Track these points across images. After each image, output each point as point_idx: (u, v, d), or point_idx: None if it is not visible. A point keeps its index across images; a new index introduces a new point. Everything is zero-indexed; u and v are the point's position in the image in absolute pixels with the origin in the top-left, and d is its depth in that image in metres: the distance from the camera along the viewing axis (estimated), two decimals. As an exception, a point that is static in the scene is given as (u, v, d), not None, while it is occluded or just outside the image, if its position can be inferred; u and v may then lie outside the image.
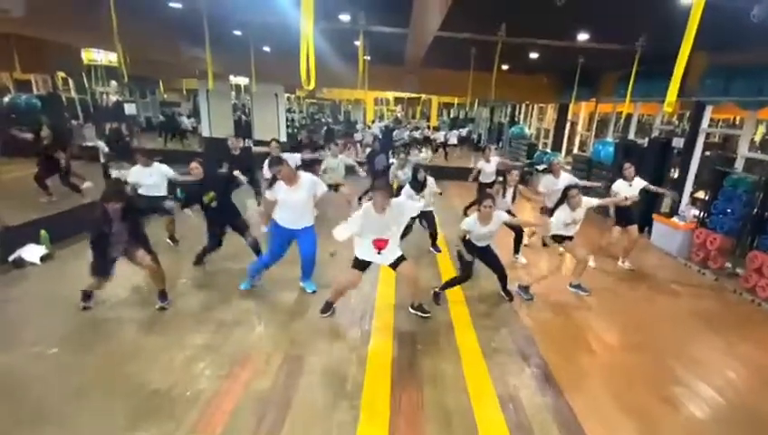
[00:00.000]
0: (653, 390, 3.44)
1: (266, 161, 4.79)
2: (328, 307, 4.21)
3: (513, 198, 5.81)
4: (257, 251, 5.02)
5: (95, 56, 15.80)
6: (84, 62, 14.98)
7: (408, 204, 4.06)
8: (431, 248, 6.20)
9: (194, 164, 4.84)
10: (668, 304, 5.17)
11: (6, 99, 12.77)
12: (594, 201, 4.91)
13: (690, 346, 4.20)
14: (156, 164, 5.53)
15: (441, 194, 6.10)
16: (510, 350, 3.85)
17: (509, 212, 5.74)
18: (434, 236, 6.17)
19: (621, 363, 3.82)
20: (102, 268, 3.89)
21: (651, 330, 4.47)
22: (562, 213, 4.74)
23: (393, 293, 4.78)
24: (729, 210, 5.96)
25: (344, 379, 3.28)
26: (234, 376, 3.22)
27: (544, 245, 5.35)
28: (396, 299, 4.64)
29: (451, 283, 4.67)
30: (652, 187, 5.81)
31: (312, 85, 2.58)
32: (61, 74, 16.27)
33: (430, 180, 5.83)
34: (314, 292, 4.63)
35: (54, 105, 13.19)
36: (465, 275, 4.55)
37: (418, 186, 5.70)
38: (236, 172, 5.67)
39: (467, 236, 4.43)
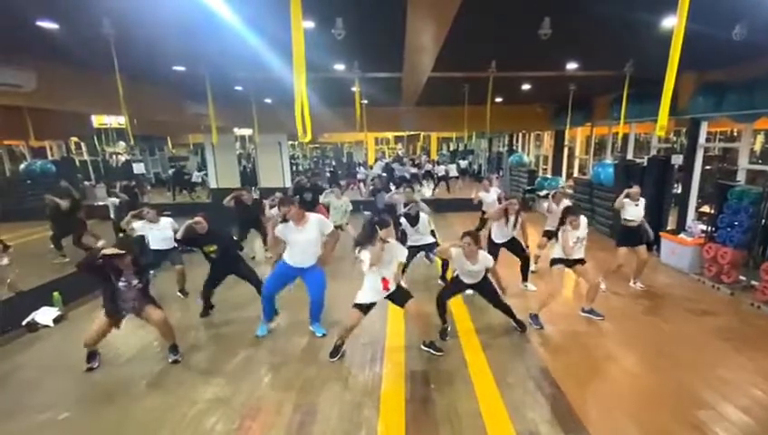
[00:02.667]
0: (679, 416, 3.31)
1: (269, 201, 4.94)
2: (337, 350, 4.19)
3: (515, 226, 5.80)
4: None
5: (105, 120, 16.54)
6: (95, 125, 15.66)
7: (399, 248, 4.12)
8: (440, 281, 6.16)
9: (198, 218, 4.97)
10: (686, 322, 5.05)
11: (23, 166, 13.33)
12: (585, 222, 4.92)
13: (713, 366, 4.06)
14: (163, 219, 5.72)
15: (433, 232, 6.15)
16: (526, 383, 3.76)
17: (512, 240, 5.79)
18: (444, 268, 6.14)
19: (643, 390, 3.69)
20: (113, 309, 3.92)
21: (671, 352, 4.34)
22: (567, 235, 4.78)
23: (403, 331, 4.73)
24: (736, 223, 5.90)
25: (358, 426, 3.21)
26: (245, 429, 3.18)
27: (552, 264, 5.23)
28: (406, 337, 4.60)
29: (439, 307, 4.61)
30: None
31: (309, 138, 2.70)
32: (74, 139, 16.99)
33: (423, 216, 5.89)
34: (324, 335, 4.61)
35: (68, 168, 13.72)
36: (444, 295, 4.62)
37: (412, 219, 5.82)
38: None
39: (455, 272, 4.51)
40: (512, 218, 5.73)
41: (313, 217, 4.42)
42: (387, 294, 4.04)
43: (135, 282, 3.91)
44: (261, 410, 3.41)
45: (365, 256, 3.87)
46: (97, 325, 3.95)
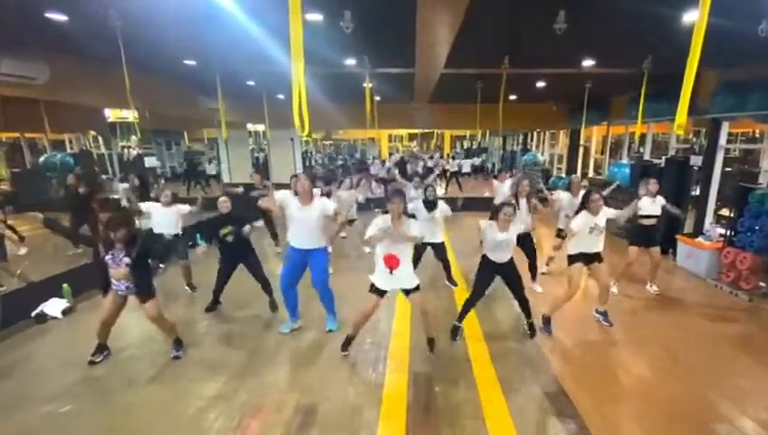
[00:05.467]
0: (695, 429, 3.19)
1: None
2: (348, 343, 4.14)
3: (528, 210, 5.57)
4: (268, 290, 5.06)
5: (124, 113, 16.74)
6: (113, 119, 15.89)
7: (412, 222, 3.93)
8: (447, 282, 6.07)
9: (223, 198, 5.00)
10: (702, 329, 4.87)
11: (42, 158, 13.60)
12: (612, 211, 4.65)
13: (730, 376, 3.91)
14: (175, 206, 5.73)
15: (450, 215, 5.94)
16: (534, 391, 3.64)
17: (525, 235, 5.52)
18: (447, 269, 6.04)
19: (657, 401, 3.55)
20: (106, 285, 3.90)
21: (686, 360, 4.19)
22: (582, 218, 4.51)
23: (408, 331, 4.66)
24: (757, 227, 5.68)
25: (358, 428, 3.15)
26: (244, 428, 3.14)
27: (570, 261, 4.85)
28: (411, 338, 4.52)
29: (466, 306, 4.50)
30: (669, 205, 5.61)
31: (307, 132, 2.63)
32: (92, 132, 17.26)
33: (442, 204, 5.74)
34: (331, 331, 4.58)
35: (86, 161, 13.95)
36: (477, 292, 4.43)
37: (430, 205, 5.66)
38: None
39: (484, 252, 4.35)
40: (522, 201, 5.47)
41: (318, 201, 4.31)
42: (394, 279, 3.87)
43: (122, 256, 3.76)
44: (261, 409, 3.37)
45: (373, 225, 3.78)
46: (103, 305, 3.97)
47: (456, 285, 6.02)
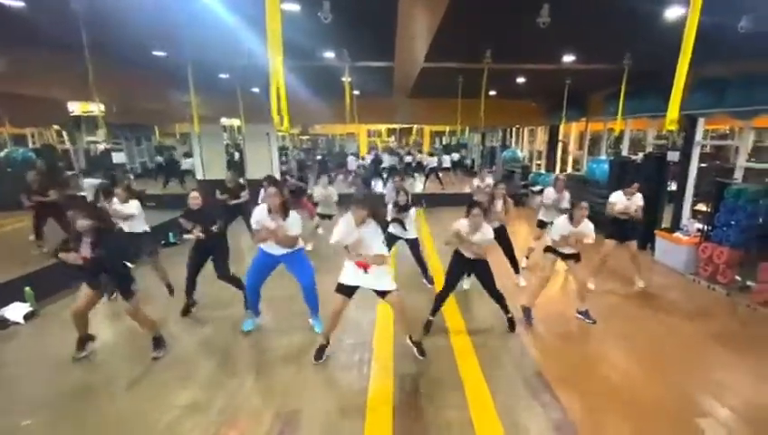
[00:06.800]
0: (678, 424, 3.19)
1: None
2: (321, 352, 3.99)
3: (505, 211, 5.63)
4: (241, 287, 4.80)
5: (90, 107, 15.98)
6: (77, 113, 15.17)
7: (377, 238, 3.77)
8: (423, 281, 5.93)
9: (194, 193, 4.78)
10: (681, 325, 4.92)
11: (2, 153, 12.88)
12: (590, 230, 4.70)
13: (709, 370, 3.95)
14: (132, 201, 5.43)
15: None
16: (519, 389, 3.59)
17: (501, 227, 5.61)
18: (423, 266, 5.92)
19: (640, 396, 3.54)
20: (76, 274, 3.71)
21: (666, 355, 4.22)
22: (563, 222, 4.72)
23: (391, 332, 4.55)
24: (733, 222, 5.79)
25: None
26: (221, 439, 2.98)
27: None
28: (395, 338, 4.41)
29: (437, 300, 4.51)
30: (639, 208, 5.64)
31: (286, 126, 2.47)
32: (55, 127, 16.47)
33: (412, 211, 5.66)
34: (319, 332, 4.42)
35: (49, 157, 13.28)
36: (447, 286, 4.47)
37: (402, 208, 5.59)
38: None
39: (457, 246, 4.38)
40: (499, 202, 5.58)
41: (293, 215, 4.17)
42: (368, 278, 3.75)
43: (84, 249, 3.57)
44: (239, 418, 3.20)
45: (336, 232, 3.71)
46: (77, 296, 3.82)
47: (432, 283, 5.87)
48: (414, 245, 5.78)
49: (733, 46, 5.19)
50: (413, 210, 5.66)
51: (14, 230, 8.91)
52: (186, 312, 4.99)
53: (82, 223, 3.53)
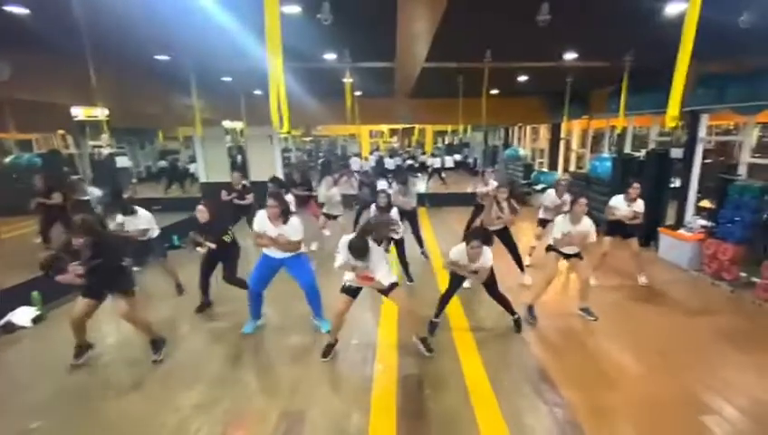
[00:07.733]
0: (683, 421, 3.18)
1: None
2: (329, 349, 4.03)
3: (510, 212, 5.64)
4: (243, 287, 4.81)
5: (95, 112, 16.04)
6: (82, 117, 15.25)
7: (384, 271, 3.83)
8: (407, 281, 5.95)
9: (200, 207, 4.77)
10: (686, 321, 4.91)
11: (8, 159, 12.97)
12: (590, 226, 4.71)
13: (715, 367, 3.93)
14: (139, 211, 5.46)
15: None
16: (523, 387, 3.59)
17: (504, 229, 5.67)
18: (405, 265, 5.97)
19: (644, 394, 3.54)
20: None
21: (671, 352, 4.20)
22: (562, 220, 4.74)
23: (396, 331, 4.56)
24: (737, 218, 5.76)
25: (347, 435, 3.05)
26: (228, 440, 3.00)
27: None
28: (399, 337, 4.42)
29: (441, 302, 4.51)
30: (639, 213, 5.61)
31: (286, 128, 2.49)
32: (60, 132, 16.55)
33: (395, 210, 5.65)
34: (328, 331, 4.38)
35: (54, 162, 13.35)
36: (450, 289, 4.47)
37: (383, 210, 5.59)
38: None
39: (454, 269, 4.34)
40: (504, 204, 5.60)
41: (294, 221, 4.23)
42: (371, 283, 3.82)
43: (81, 269, 3.61)
44: (245, 418, 3.23)
45: (339, 257, 3.74)
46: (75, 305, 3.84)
47: (411, 280, 5.96)
48: (399, 244, 5.86)
49: (735, 42, 5.17)
50: (395, 210, 5.70)
51: (20, 235, 8.98)
52: (201, 309, 5.08)
53: (78, 241, 3.57)
